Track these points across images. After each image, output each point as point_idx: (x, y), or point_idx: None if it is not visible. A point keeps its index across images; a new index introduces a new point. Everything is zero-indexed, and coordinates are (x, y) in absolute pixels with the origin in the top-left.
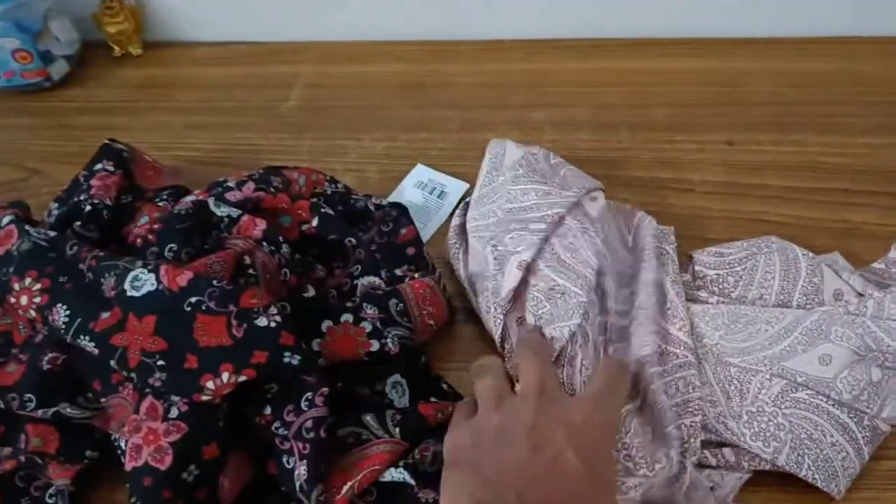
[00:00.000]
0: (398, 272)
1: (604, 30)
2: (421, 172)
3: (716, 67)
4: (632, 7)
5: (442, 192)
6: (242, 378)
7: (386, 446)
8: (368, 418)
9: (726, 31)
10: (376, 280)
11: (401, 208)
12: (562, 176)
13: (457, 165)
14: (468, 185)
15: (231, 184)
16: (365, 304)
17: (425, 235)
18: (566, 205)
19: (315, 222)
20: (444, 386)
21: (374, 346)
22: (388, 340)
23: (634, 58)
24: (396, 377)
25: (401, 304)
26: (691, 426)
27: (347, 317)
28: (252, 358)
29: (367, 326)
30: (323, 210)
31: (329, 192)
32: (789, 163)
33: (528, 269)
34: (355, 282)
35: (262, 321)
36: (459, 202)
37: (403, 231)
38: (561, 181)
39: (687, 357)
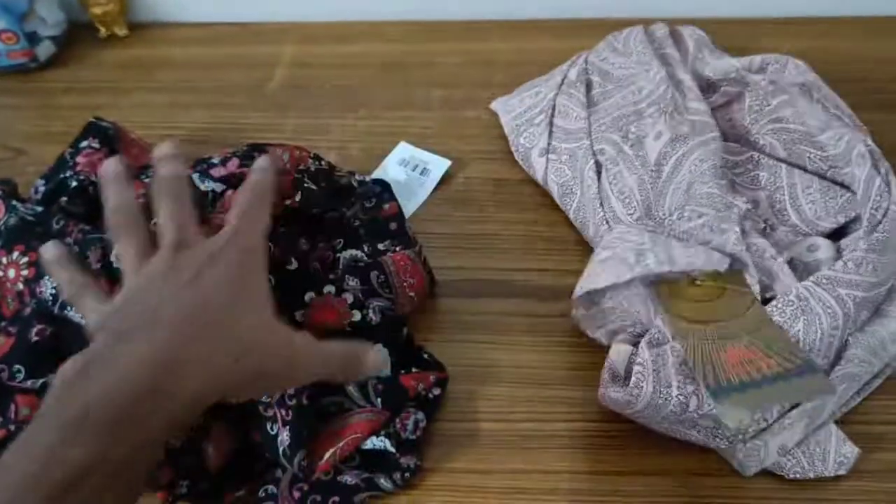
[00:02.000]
0: (381, 246)
1: (584, 10)
2: (404, 150)
3: None
4: None
5: (424, 169)
6: None
7: (368, 415)
8: (351, 388)
9: (712, 11)
10: (359, 253)
11: (383, 185)
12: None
13: (440, 143)
14: (450, 163)
15: (215, 160)
16: (347, 277)
17: (408, 211)
18: (553, 86)
19: (298, 197)
20: (426, 356)
21: (356, 316)
22: (370, 311)
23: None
24: (378, 348)
25: (382, 276)
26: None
27: (330, 288)
28: None
29: (349, 297)
30: (306, 185)
31: (313, 168)
32: None
33: (548, 152)
34: (338, 255)
35: None
36: (442, 179)
37: (386, 207)
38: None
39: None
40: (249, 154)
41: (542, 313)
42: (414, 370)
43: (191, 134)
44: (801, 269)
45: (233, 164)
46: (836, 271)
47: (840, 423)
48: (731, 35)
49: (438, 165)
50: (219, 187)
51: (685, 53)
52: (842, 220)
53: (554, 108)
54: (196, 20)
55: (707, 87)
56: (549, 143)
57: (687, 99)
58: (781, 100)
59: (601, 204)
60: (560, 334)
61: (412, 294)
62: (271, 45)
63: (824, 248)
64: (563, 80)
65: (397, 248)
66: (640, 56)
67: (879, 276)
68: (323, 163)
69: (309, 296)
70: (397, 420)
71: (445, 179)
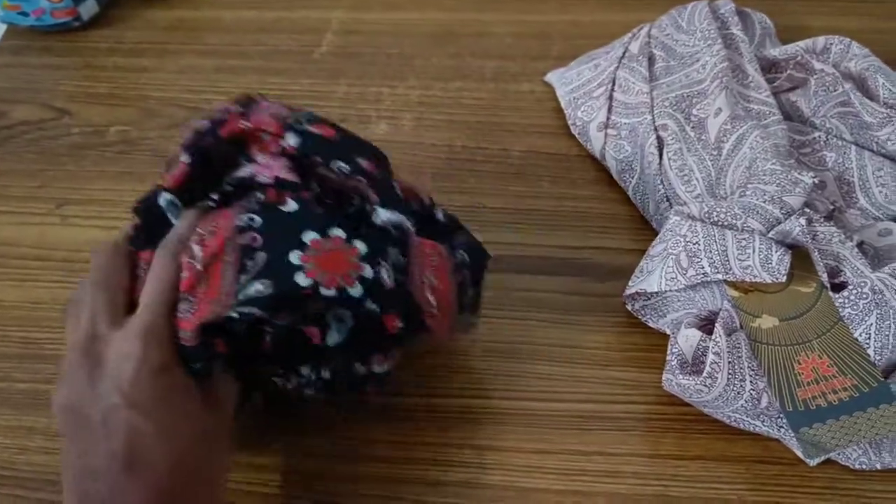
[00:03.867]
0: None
1: None
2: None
3: None
4: None
5: None
6: None
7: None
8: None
9: None
10: (403, 218)
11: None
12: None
13: (491, 115)
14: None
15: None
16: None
17: None
18: (613, 59)
19: (292, 141)
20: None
21: (367, 271)
22: (383, 269)
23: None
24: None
25: (402, 258)
26: None
27: (338, 232)
28: None
29: (361, 247)
30: (301, 127)
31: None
32: None
33: (607, 126)
34: (375, 209)
35: None
36: (495, 153)
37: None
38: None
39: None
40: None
41: (599, 293)
42: None
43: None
44: (871, 255)
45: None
46: None
47: None
48: (790, 12)
49: None
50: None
51: (751, 37)
52: None
53: (614, 82)
54: None
55: (771, 67)
56: (608, 118)
57: (748, 86)
58: (846, 88)
59: (661, 181)
60: (618, 314)
61: (432, 298)
62: (321, 10)
63: None
64: (624, 53)
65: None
66: (705, 33)
67: None
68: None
69: (309, 236)
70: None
71: (497, 154)
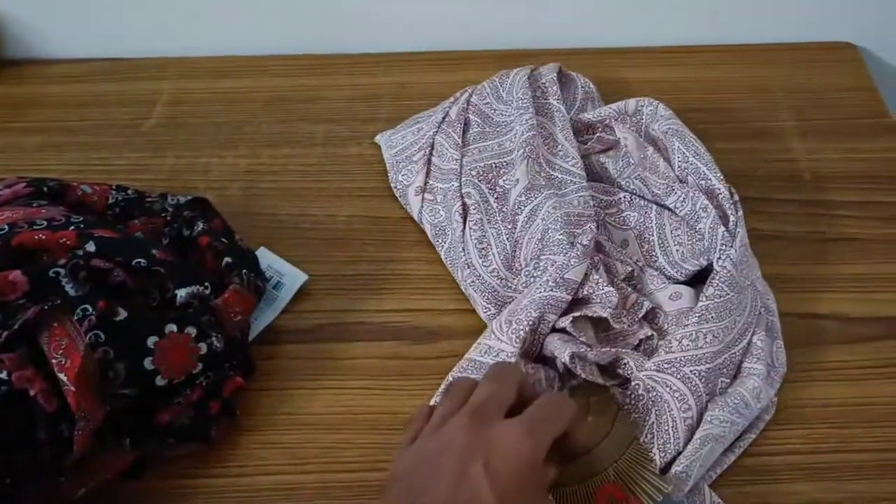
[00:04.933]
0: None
1: (471, 42)
2: (262, 257)
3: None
4: (500, 19)
5: (278, 282)
6: None
7: None
8: None
9: (594, 42)
10: (196, 289)
11: (203, 203)
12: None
13: (317, 181)
14: (306, 277)
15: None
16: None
17: (254, 330)
18: (433, 123)
19: (91, 247)
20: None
21: (203, 348)
22: (214, 339)
23: (501, 69)
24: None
25: (212, 318)
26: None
27: (171, 327)
28: None
29: (192, 330)
30: (97, 234)
31: (121, 199)
32: None
33: (424, 191)
34: (175, 293)
35: None
36: (321, 218)
37: (209, 226)
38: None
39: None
40: (40, 186)
41: (417, 356)
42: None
43: (59, 177)
44: (661, 320)
45: (19, 186)
46: (674, 353)
47: None
48: (607, 65)
49: (293, 279)
50: None
51: (571, 101)
52: (703, 262)
53: (433, 147)
54: (70, 56)
55: (587, 129)
56: (426, 182)
57: (556, 154)
58: (647, 153)
59: (462, 249)
60: (435, 376)
61: (239, 318)
62: (149, 82)
63: (686, 297)
64: (444, 118)
65: (234, 274)
66: (519, 102)
67: (723, 341)
68: (130, 191)
69: (152, 340)
70: None
71: (323, 220)
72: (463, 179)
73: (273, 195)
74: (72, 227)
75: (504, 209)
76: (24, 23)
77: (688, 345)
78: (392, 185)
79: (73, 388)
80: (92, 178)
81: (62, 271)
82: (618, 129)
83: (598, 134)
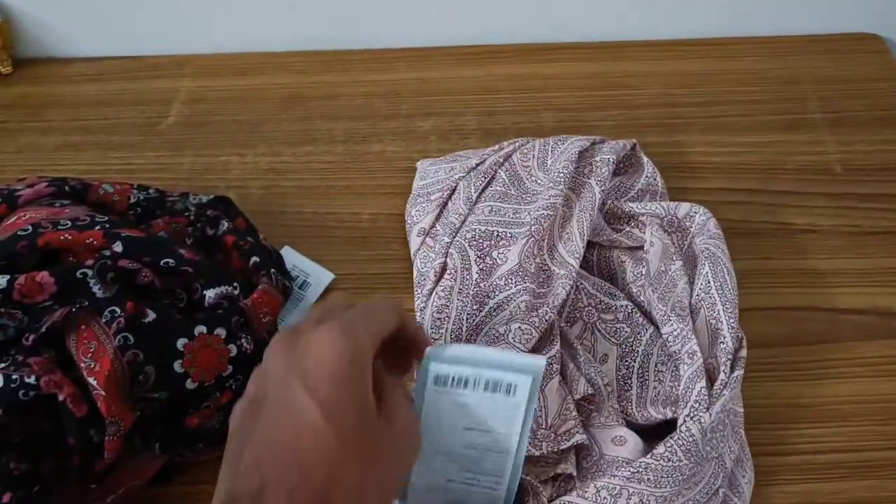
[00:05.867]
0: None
1: (492, 36)
2: (286, 257)
3: (604, 70)
4: (520, 13)
5: (304, 282)
6: None
7: None
8: None
9: (614, 35)
10: (227, 289)
11: (225, 202)
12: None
13: (340, 179)
14: (333, 276)
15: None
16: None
17: None
18: (466, 167)
19: (119, 247)
20: None
21: (233, 350)
22: (244, 340)
23: (523, 63)
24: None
25: (242, 319)
26: None
27: (201, 328)
28: None
29: (222, 332)
30: (124, 234)
31: (142, 199)
32: (673, 163)
33: (426, 234)
34: (204, 293)
35: None
36: (345, 217)
37: (233, 225)
38: (475, 153)
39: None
40: (62, 186)
41: None
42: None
43: (81, 177)
44: (593, 460)
45: (41, 185)
46: (586, 501)
47: None
48: (629, 58)
49: (319, 279)
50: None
51: (625, 190)
52: (669, 414)
53: (453, 191)
54: (86, 55)
55: (623, 219)
56: (432, 225)
57: (563, 241)
58: (671, 270)
59: (421, 312)
60: None
61: (268, 319)
62: (167, 80)
63: (630, 446)
64: (477, 165)
65: (262, 273)
66: (555, 175)
67: None
68: (151, 191)
69: (182, 342)
70: None
71: (347, 218)
72: (456, 238)
73: (295, 193)
74: (97, 227)
75: (482, 285)
76: (39, 21)
77: (605, 498)
78: (405, 217)
79: (103, 393)
80: (111, 178)
81: (90, 272)
82: (650, 231)
83: (630, 228)
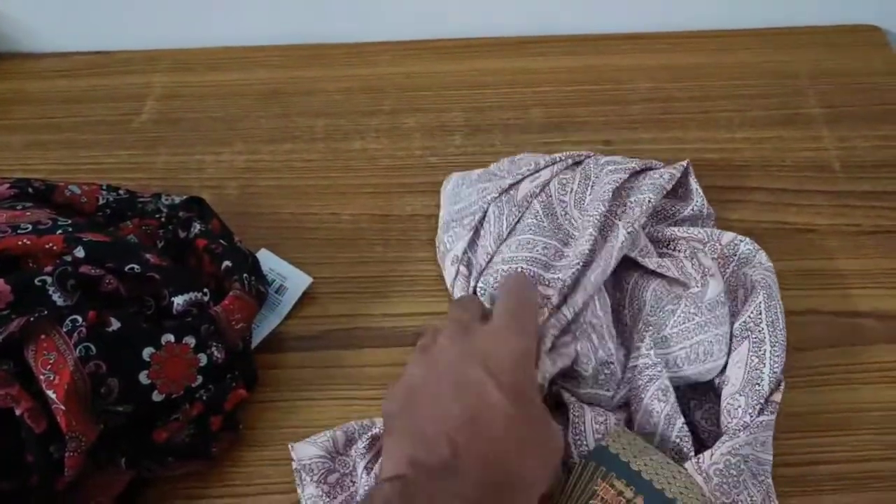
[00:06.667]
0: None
1: (479, 30)
2: (263, 259)
3: (594, 65)
4: (506, 5)
5: (280, 286)
6: None
7: None
8: None
9: (604, 27)
10: (196, 295)
11: (199, 203)
12: (515, 164)
13: (323, 177)
14: (311, 280)
15: None
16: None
17: (257, 338)
18: (498, 188)
19: (80, 253)
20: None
21: (203, 359)
22: (214, 349)
23: (511, 58)
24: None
25: (212, 327)
26: None
27: (168, 337)
28: None
29: (191, 340)
30: (86, 238)
31: (112, 200)
32: (668, 160)
33: (460, 261)
34: (172, 300)
35: None
36: (324, 218)
37: (207, 228)
38: (510, 169)
39: None
40: (25, 187)
41: None
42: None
43: (47, 176)
44: None
45: (3, 187)
46: None
47: None
48: (623, 51)
49: (297, 282)
50: None
51: (667, 213)
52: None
53: (485, 215)
54: (55, 49)
55: (669, 242)
56: (464, 252)
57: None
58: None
59: None
60: None
61: (241, 326)
62: (139, 76)
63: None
64: (510, 187)
65: (234, 279)
66: (587, 219)
67: None
68: (121, 192)
69: (148, 352)
70: None
71: (327, 219)
72: (479, 283)
73: (273, 193)
74: (59, 231)
75: None
76: (6, 16)
77: None
78: (437, 243)
79: (62, 407)
80: (81, 178)
81: (49, 279)
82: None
83: (682, 258)
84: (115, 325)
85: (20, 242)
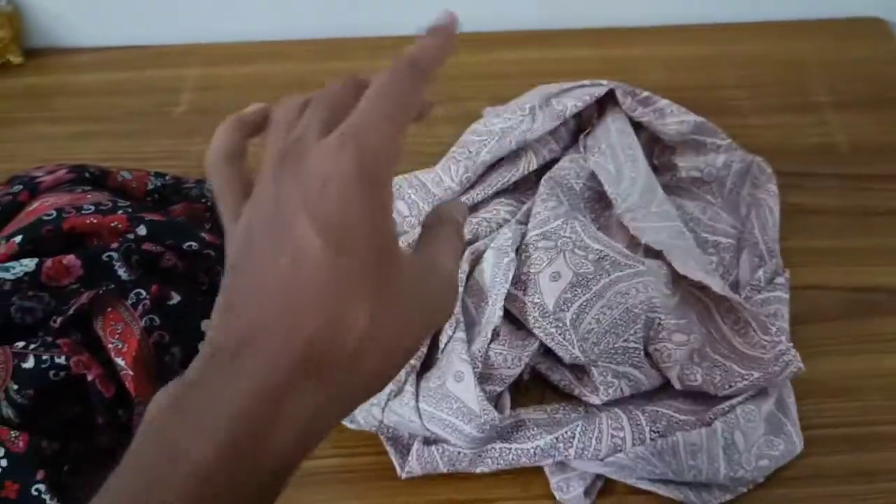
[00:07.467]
0: None
1: (502, 21)
2: None
3: (613, 56)
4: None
5: None
6: None
7: None
8: None
9: (621, 20)
10: None
11: None
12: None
13: None
14: None
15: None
16: None
17: None
18: (522, 133)
19: (143, 231)
20: None
21: None
22: None
23: (535, 48)
24: None
25: None
26: None
27: None
28: None
29: None
30: (147, 218)
31: (159, 185)
32: None
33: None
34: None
35: None
36: None
37: None
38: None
39: None
40: (82, 172)
41: None
42: None
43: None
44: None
45: (61, 172)
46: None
47: None
48: (631, 44)
49: None
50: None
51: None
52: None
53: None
54: (95, 44)
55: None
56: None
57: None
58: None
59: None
60: None
61: None
62: (175, 69)
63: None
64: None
65: None
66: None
67: None
68: (167, 178)
69: (206, 324)
70: None
71: None
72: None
73: None
74: (121, 212)
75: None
76: (47, 11)
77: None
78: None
79: (131, 373)
80: (124, 166)
81: (115, 255)
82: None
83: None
84: (176, 298)
85: (87, 221)
